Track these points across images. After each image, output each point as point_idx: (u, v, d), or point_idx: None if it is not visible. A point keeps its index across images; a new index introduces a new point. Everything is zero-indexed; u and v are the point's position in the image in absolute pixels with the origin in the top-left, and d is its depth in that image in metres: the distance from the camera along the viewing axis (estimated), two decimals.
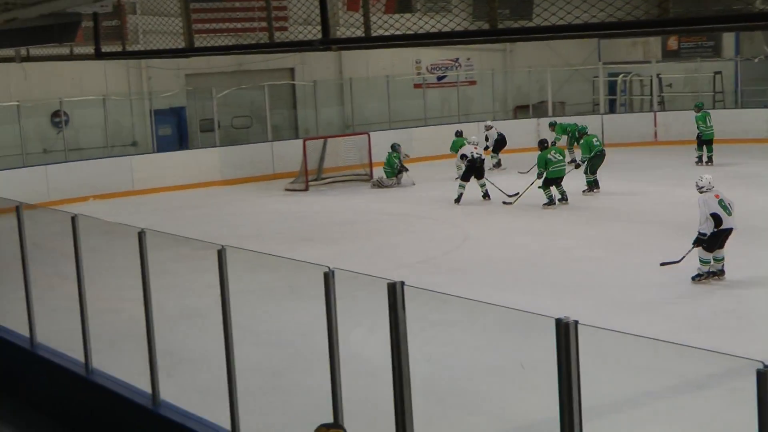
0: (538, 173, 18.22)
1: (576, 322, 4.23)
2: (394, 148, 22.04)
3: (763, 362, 3.60)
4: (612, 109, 28.63)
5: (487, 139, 23.47)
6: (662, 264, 12.44)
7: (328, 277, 5.64)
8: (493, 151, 23.53)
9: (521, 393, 8.17)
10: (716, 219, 11.94)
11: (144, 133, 24.24)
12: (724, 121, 24.45)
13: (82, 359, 8.54)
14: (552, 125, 23.83)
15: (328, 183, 22.52)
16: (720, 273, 12.20)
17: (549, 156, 18.18)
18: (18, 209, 9.28)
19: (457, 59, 29.06)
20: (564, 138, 23.27)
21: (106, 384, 8.25)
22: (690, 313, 10.99)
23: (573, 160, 21.04)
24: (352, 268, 6.76)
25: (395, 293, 5.14)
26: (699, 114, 22.65)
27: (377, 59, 27.15)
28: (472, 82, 29.18)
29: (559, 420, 4.26)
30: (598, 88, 28.15)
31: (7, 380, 9.92)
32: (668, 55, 28.60)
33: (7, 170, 20.75)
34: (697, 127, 22.49)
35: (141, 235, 7.42)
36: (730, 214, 12.09)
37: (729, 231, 12.08)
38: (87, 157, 22.65)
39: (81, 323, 8.48)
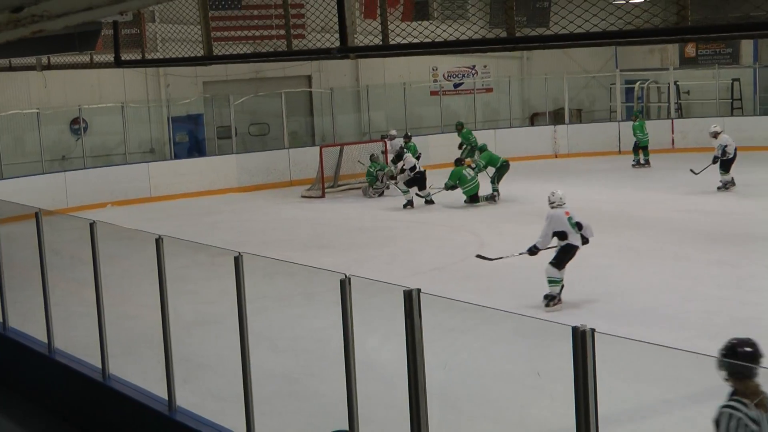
0: (448, 185, 19.44)
1: (593, 330, 4.22)
2: (372, 158, 21.99)
3: None
4: (629, 116, 28.54)
5: (388, 149, 22.93)
6: (477, 256, 12.68)
7: (345, 284, 5.65)
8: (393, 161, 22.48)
9: (537, 401, 8.15)
10: (561, 235, 11.56)
11: (161, 140, 24.36)
12: (741, 128, 24.33)
13: (99, 365, 8.58)
14: (460, 125, 23.94)
15: (345, 190, 22.55)
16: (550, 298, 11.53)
17: (464, 173, 19.42)
18: (37, 215, 9.35)
19: (474, 66, 29.07)
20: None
21: (123, 390, 8.28)
22: (706, 321, 10.93)
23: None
24: (368, 275, 6.78)
25: (411, 300, 5.15)
26: (636, 123, 23.96)
27: (394, 66, 27.19)
28: (489, 90, 29.17)
29: (575, 429, 4.26)
30: (615, 96, 28.09)
31: (25, 385, 9.98)
32: (686, 62, 28.52)
33: (27, 177, 20.91)
34: (635, 135, 23.88)
35: (158, 242, 7.45)
36: (577, 232, 11.64)
37: (575, 248, 11.61)
38: (105, 163, 22.79)
39: (98, 329, 8.52)
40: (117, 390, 8.32)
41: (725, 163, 19.55)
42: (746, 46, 27.58)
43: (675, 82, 27.57)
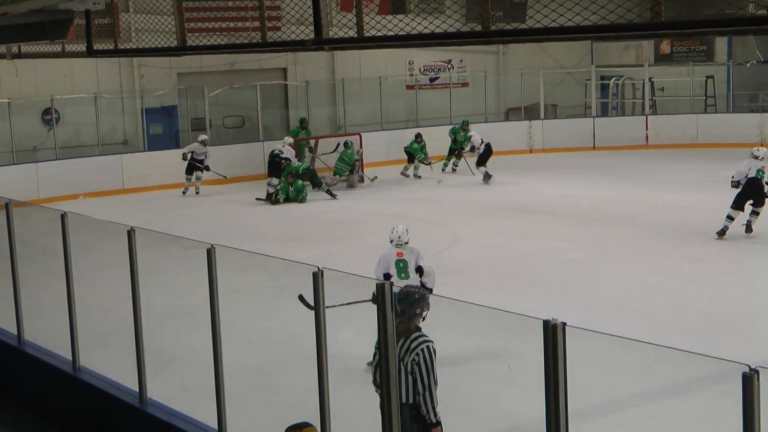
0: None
1: (564, 324, 4.24)
2: (347, 145, 22.04)
3: (749, 365, 3.61)
4: (604, 112, 28.69)
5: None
6: (300, 297, 8.09)
7: (317, 277, 5.63)
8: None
9: (509, 394, 8.18)
10: (386, 279, 9.56)
11: (135, 131, 24.21)
12: (715, 125, 24.53)
13: (69, 357, 8.52)
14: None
15: None
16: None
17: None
18: (7, 206, 9.25)
19: (450, 61, 29.09)
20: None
21: (94, 382, 8.23)
22: (677, 316, 11.01)
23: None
24: (341, 268, 6.76)
25: (384, 293, 5.14)
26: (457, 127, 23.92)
27: (370, 60, 27.15)
28: (465, 84, 29.20)
29: (546, 422, 4.27)
30: (591, 91, 28.21)
31: None
32: (661, 58, 28.67)
33: None
34: (457, 140, 23.55)
35: (130, 234, 7.41)
36: (404, 277, 9.75)
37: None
38: (77, 155, 22.60)
39: (69, 321, 8.46)
40: (88, 382, 8.27)
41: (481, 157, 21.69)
42: (720, 44, 27.77)
43: (650, 79, 27.73)
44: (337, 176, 21.83)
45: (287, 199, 20.01)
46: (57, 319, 8.77)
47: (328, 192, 20.46)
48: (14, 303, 9.38)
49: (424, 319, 6.32)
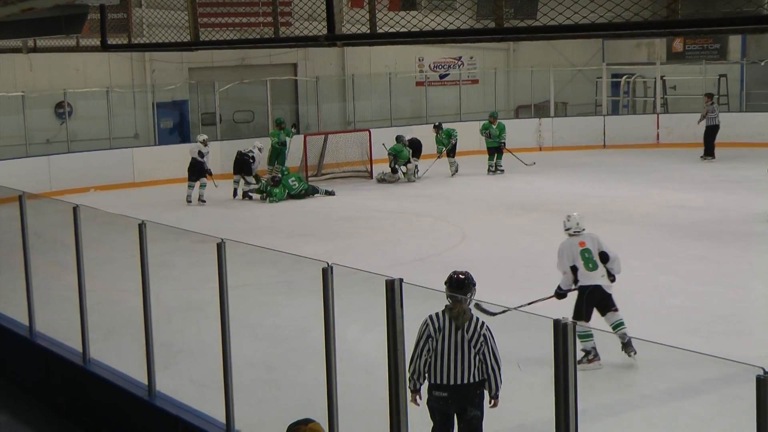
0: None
1: (574, 323, 4.24)
2: (399, 139, 22.19)
3: (763, 368, 3.59)
4: (615, 110, 28.61)
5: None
6: (476, 305, 7.84)
7: (327, 273, 5.64)
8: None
9: (518, 393, 8.17)
10: (574, 273, 9.37)
11: (146, 125, 24.25)
12: (728, 124, 24.42)
13: (79, 349, 8.56)
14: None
15: (328, 179, 22.53)
16: (628, 346, 8.98)
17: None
18: (21, 198, 9.30)
19: (460, 58, 29.04)
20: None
21: (103, 374, 8.26)
22: (687, 317, 10.98)
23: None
24: (350, 264, 6.77)
25: (393, 290, 5.14)
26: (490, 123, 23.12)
27: (380, 56, 27.12)
28: (475, 81, 29.16)
29: (555, 421, 4.27)
30: (602, 89, 28.13)
31: (5, 368, 9.94)
32: (673, 57, 28.56)
33: (11, 160, 20.79)
34: (492, 136, 22.82)
35: (141, 227, 7.43)
36: (592, 268, 9.31)
37: (597, 290, 9.25)
38: (89, 148, 22.66)
39: (80, 313, 8.50)
40: (97, 374, 8.31)
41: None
42: (734, 42, 27.65)
43: (662, 77, 27.63)
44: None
45: (291, 196, 20.01)
46: (68, 311, 8.81)
47: (326, 192, 20.46)
48: (26, 294, 9.42)
49: (471, 302, 6.82)
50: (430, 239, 15.80)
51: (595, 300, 9.24)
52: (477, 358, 6.52)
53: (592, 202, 18.43)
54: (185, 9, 8.92)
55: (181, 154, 22.96)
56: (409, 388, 6.48)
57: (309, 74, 26.32)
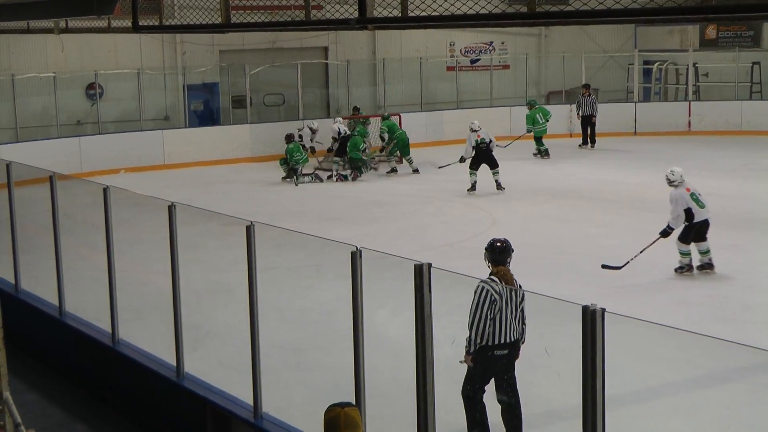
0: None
1: (603, 310, 4.21)
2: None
3: None
4: (646, 97, 28.37)
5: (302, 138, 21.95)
6: (603, 266, 12.08)
7: (356, 257, 5.65)
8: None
9: (545, 379, 8.16)
10: (688, 214, 11.85)
11: (176, 107, 24.35)
12: (760, 112, 24.15)
13: (109, 329, 8.63)
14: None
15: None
16: (709, 266, 12.04)
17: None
18: (51, 179, 9.37)
19: (491, 43, 28.91)
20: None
21: (132, 355, 8.33)
22: (716, 306, 10.91)
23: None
24: (378, 248, 6.77)
25: (422, 275, 5.14)
26: (530, 112, 23.07)
27: (411, 41, 27.04)
28: (506, 66, 29.02)
29: (582, 407, 4.25)
30: (633, 76, 27.91)
31: (35, 347, 10.04)
32: (706, 44, 28.27)
33: (42, 140, 20.97)
34: (533, 124, 22.81)
35: (171, 209, 7.46)
36: (702, 206, 11.96)
37: (704, 223, 11.98)
38: (119, 129, 22.80)
39: (109, 294, 8.57)
40: (126, 355, 8.38)
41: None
42: None
43: (694, 64, 27.35)
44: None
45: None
46: (97, 292, 8.88)
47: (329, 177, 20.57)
48: (56, 275, 9.50)
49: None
50: (459, 225, 15.77)
51: (702, 229, 11.95)
52: (521, 314, 7.11)
53: (621, 189, 18.33)
54: None
55: (211, 137, 23.09)
56: (469, 351, 6.95)
57: (340, 58, 26.30)
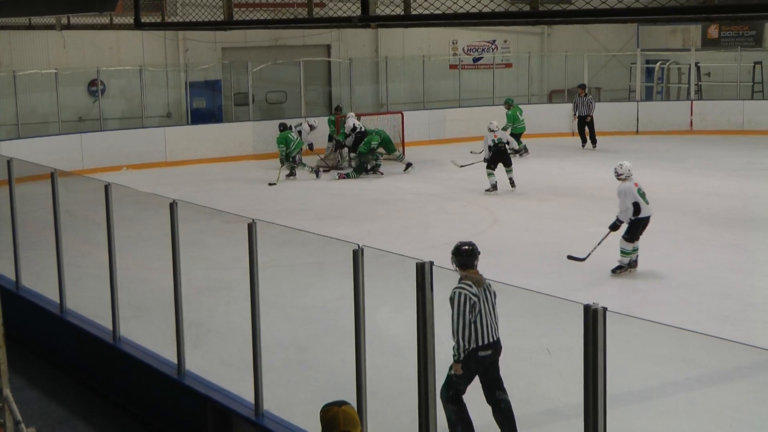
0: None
1: (605, 309, 4.21)
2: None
3: None
4: (648, 96, 28.36)
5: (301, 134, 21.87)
6: (569, 257, 12.34)
7: (357, 255, 5.64)
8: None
9: (546, 378, 8.15)
10: (636, 207, 11.87)
11: (179, 105, 24.35)
12: (762, 112, 24.13)
13: (110, 327, 8.63)
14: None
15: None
16: (633, 264, 12.10)
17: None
18: (53, 176, 9.36)
19: (494, 41, 28.89)
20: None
21: (133, 352, 8.32)
22: (718, 305, 10.90)
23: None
24: (380, 247, 6.77)
25: (424, 273, 5.14)
26: (510, 111, 23.02)
27: (413, 39, 27.03)
28: (508, 65, 29.00)
29: (584, 406, 4.25)
30: (635, 75, 27.89)
31: (36, 344, 10.04)
32: (708, 43, 28.25)
33: (43, 137, 20.96)
34: (514, 122, 22.82)
35: (172, 206, 7.46)
36: (647, 202, 12.04)
37: (647, 219, 12.04)
38: (121, 126, 22.80)
39: (110, 291, 8.56)
40: (127, 352, 8.37)
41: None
42: None
43: (696, 64, 27.33)
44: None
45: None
46: (98, 289, 8.88)
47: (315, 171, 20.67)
48: (57, 272, 9.50)
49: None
50: (461, 223, 15.76)
51: (645, 225, 12.02)
52: (496, 312, 7.06)
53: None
54: None
55: (213, 134, 23.08)
56: (459, 359, 6.86)
57: (342, 56, 26.29)
